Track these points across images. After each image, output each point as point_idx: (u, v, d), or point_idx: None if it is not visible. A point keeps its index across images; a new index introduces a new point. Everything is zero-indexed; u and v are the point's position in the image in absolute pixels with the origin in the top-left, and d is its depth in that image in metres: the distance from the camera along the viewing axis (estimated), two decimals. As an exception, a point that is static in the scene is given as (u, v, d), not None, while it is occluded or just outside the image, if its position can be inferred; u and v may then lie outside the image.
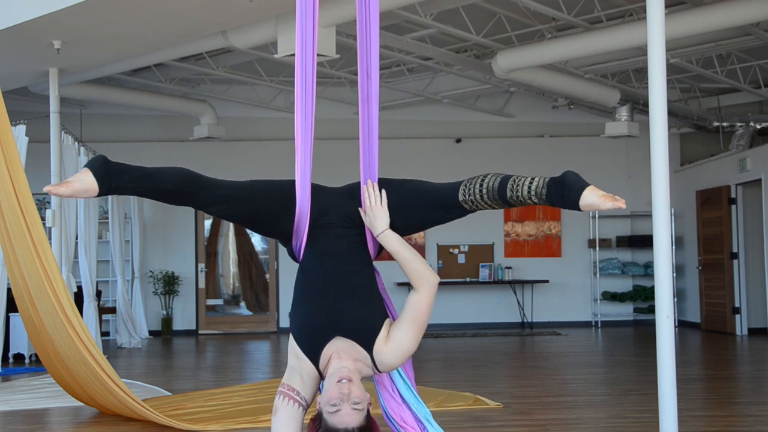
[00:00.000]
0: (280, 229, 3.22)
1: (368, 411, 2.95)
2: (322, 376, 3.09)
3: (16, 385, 8.28)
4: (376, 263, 3.32)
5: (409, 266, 3.09)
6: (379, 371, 3.12)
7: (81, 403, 6.70)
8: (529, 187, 2.89)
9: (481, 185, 2.99)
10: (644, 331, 13.17)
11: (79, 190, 2.99)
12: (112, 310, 12.51)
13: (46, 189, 3.04)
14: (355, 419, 2.86)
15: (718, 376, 8.55)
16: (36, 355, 9.71)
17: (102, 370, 5.98)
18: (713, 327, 13.00)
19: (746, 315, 12.52)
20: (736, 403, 6.89)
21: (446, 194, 3.10)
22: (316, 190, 3.20)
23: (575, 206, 2.88)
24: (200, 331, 14.04)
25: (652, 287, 5.30)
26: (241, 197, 3.16)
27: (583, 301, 14.40)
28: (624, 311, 14.50)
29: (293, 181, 3.20)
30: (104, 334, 12.36)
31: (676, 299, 13.68)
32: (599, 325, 14.19)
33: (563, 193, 2.86)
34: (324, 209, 3.18)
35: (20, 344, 10.12)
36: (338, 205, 3.21)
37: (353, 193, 3.23)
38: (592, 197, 2.84)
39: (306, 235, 3.16)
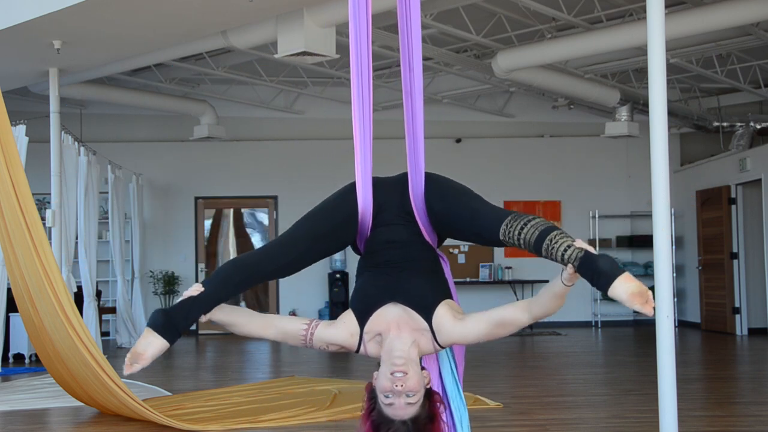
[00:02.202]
0: (346, 243, 3.24)
1: (427, 392, 2.91)
2: (360, 342, 3.02)
3: (16, 385, 8.28)
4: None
5: (555, 305, 2.96)
6: (440, 345, 3.04)
7: (81, 403, 6.71)
8: (563, 255, 2.83)
9: (519, 233, 2.93)
10: (644, 331, 13.16)
11: (154, 355, 3.06)
12: (112, 310, 12.51)
13: (126, 373, 3.08)
14: (408, 412, 2.85)
15: (718, 376, 8.55)
16: (36, 355, 9.70)
17: (102, 370, 5.98)
18: (713, 327, 13.00)
19: (746, 315, 12.51)
20: (736, 403, 6.89)
21: (488, 226, 3.04)
22: (373, 184, 3.19)
23: (603, 292, 2.82)
24: (200, 331, 14.03)
25: (652, 287, 5.24)
26: (301, 253, 3.12)
27: (583, 301, 14.39)
28: (624, 311, 14.47)
29: (344, 195, 3.18)
30: (104, 334, 12.35)
31: (676, 299, 13.67)
32: (599, 325, 14.19)
33: (592, 276, 2.80)
34: (380, 206, 3.18)
35: (20, 344, 10.12)
36: (392, 200, 3.20)
37: (405, 184, 3.20)
38: (621, 293, 2.74)
39: (369, 232, 3.18)
